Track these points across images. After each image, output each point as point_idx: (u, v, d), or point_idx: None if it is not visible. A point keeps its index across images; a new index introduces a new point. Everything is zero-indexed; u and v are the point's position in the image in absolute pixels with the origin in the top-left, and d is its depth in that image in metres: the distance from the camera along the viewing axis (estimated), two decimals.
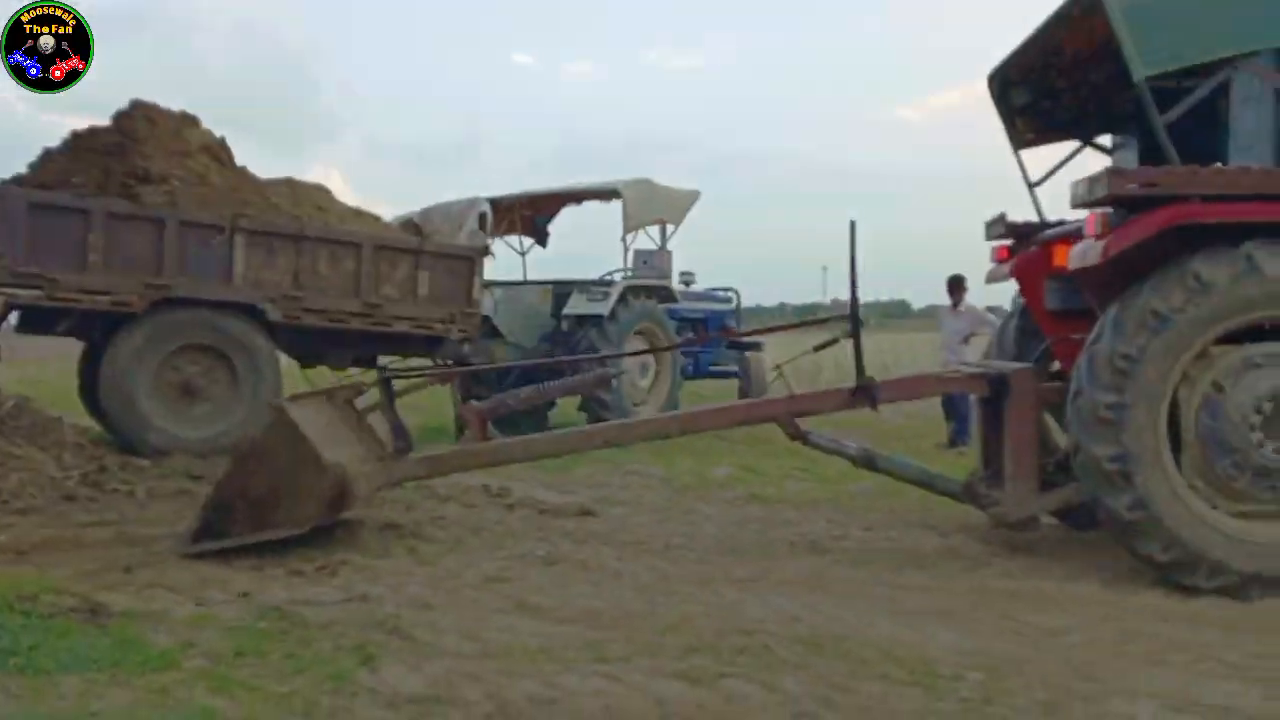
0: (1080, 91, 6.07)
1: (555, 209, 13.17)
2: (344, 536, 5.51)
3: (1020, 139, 6.20)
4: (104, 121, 8.76)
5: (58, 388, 10.53)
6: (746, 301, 14.41)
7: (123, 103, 8.75)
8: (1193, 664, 3.56)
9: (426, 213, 10.83)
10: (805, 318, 5.40)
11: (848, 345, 5.56)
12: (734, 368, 13.06)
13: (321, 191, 9.96)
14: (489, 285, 10.83)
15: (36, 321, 8.18)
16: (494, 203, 11.24)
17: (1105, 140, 6.30)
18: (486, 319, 10.75)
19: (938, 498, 5.79)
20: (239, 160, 9.40)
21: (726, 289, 14.15)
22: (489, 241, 10.55)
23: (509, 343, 11.25)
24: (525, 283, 12.51)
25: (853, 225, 5.34)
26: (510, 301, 11.79)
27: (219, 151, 9.20)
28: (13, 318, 8.14)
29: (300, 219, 9.02)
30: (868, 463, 5.62)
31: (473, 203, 10.58)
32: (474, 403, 5.86)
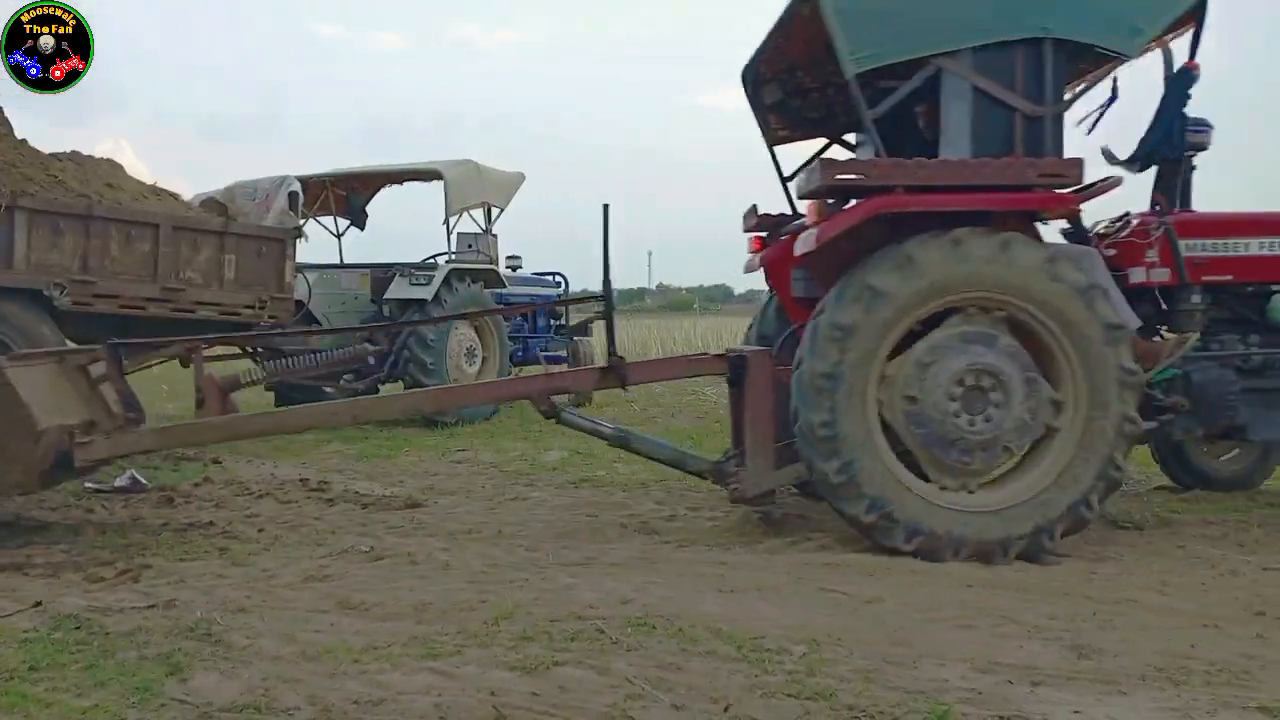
0: (826, 90, 6.29)
1: (373, 189, 12.75)
2: (146, 539, 5.17)
3: (773, 135, 6.38)
4: None
5: None
6: (574, 286, 14.41)
7: None
8: (995, 627, 3.80)
9: (230, 191, 10.21)
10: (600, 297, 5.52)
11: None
12: (564, 353, 13.06)
13: (113, 167, 9.24)
14: (303, 269, 10.38)
15: None
16: (305, 181, 10.74)
17: (853, 137, 6.51)
18: (300, 304, 10.30)
19: None
20: (19, 133, 8.62)
21: (554, 273, 14.10)
22: (301, 222, 10.09)
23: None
24: (342, 266, 12.05)
25: (605, 209, 5.50)
26: (327, 285, 11.35)
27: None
28: None
29: (89, 197, 8.35)
30: (622, 443, 5.70)
31: (282, 181, 10.06)
32: (214, 374, 5.66)
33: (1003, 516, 4.78)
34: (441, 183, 11.33)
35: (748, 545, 5.19)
